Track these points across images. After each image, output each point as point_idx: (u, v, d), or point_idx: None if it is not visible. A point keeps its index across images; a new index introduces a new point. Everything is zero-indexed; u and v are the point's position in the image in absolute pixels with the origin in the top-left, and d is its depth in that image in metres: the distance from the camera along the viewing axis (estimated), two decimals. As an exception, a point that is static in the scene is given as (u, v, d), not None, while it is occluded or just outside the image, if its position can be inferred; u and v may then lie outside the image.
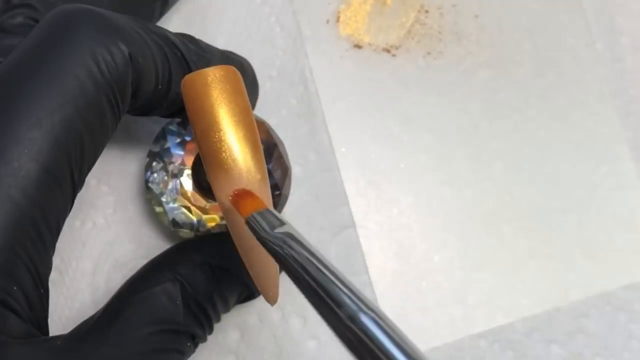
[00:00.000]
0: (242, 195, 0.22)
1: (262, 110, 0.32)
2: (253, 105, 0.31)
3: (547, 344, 0.31)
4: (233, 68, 0.23)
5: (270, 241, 0.19)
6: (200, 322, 0.25)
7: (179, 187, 0.28)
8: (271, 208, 0.22)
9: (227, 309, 0.27)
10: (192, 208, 0.28)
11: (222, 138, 0.22)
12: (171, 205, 0.28)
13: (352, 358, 0.30)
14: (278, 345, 0.30)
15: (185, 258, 0.26)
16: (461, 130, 0.32)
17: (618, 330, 0.31)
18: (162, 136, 0.29)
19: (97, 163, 0.23)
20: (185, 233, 0.29)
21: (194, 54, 0.25)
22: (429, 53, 0.33)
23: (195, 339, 0.26)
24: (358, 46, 0.33)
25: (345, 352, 0.32)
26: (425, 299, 0.31)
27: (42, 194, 0.21)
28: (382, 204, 0.32)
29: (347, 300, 0.17)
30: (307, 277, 0.18)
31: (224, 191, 0.22)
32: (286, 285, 0.28)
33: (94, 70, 0.21)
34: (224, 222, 0.28)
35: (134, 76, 0.22)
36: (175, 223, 0.28)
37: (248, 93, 0.29)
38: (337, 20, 0.33)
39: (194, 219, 0.28)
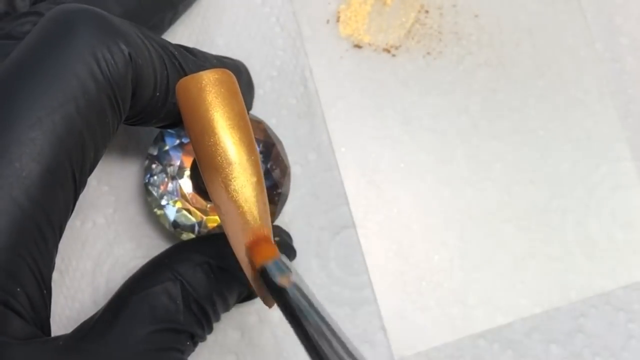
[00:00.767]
0: (257, 243, 0.22)
1: (262, 110, 0.32)
2: (249, 107, 0.31)
3: (547, 343, 0.31)
4: (227, 71, 0.23)
5: (278, 291, 0.20)
6: (200, 321, 0.25)
7: (178, 189, 0.28)
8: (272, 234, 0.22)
9: (226, 308, 0.27)
10: (193, 209, 0.28)
11: (217, 142, 0.22)
12: (171, 207, 0.28)
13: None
14: (278, 345, 0.30)
15: (185, 258, 0.26)
16: (461, 130, 0.33)
17: (617, 330, 0.31)
18: (160, 139, 0.29)
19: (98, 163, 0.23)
20: (187, 235, 0.29)
21: (192, 64, 0.25)
22: (428, 53, 0.33)
23: (195, 338, 0.26)
24: (358, 46, 0.33)
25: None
26: (425, 299, 0.31)
27: (44, 195, 0.20)
28: (382, 203, 0.32)
29: None
30: (307, 330, 0.19)
31: (220, 195, 0.22)
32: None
33: (95, 69, 0.21)
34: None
35: (133, 76, 0.22)
36: (176, 225, 0.28)
37: (243, 95, 0.29)
38: (337, 20, 0.33)
39: (195, 220, 0.28)
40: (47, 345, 0.22)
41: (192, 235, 0.29)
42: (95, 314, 0.24)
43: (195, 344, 0.26)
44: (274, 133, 0.30)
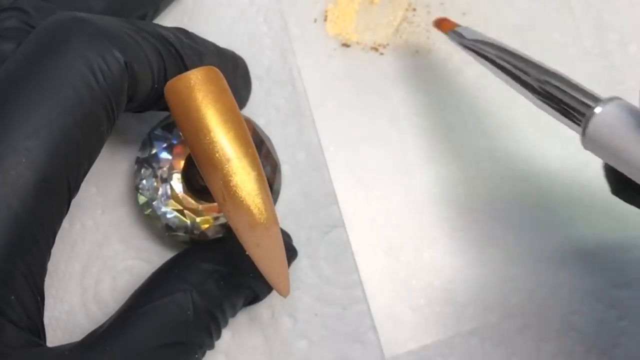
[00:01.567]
0: (442, 21, 0.31)
1: (251, 109, 0.32)
2: (246, 100, 0.31)
3: (538, 341, 0.31)
4: (214, 68, 0.23)
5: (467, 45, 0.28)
6: (210, 331, 0.26)
7: (169, 191, 0.28)
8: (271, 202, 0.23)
9: (234, 314, 0.27)
10: (185, 211, 0.28)
11: (214, 139, 0.22)
12: (163, 210, 0.28)
13: (343, 358, 0.30)
14: (268, 344, 0.30)
15: (195, 267, 0.26)
16: (450, 128, 0.33)
17: (609, 327, 0.31)
18: (148, 143, 0.29)
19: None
20: (180, 237, 0.29)
21: (187, 48, 0.25)
22: (417, 51, 0.33)
23: (204, 347, 0.26)
24: (346, 45, 0.33)
25: (335, 352, 0.33)
26: (415, 297, 0.31)
27: (39, 203, 0.21)
28: (372, 202, 0.32)
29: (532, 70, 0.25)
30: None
31: (222, 192, 0.22)
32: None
33: (90, 79, 0.21)
34: (217, 222, 0.28)
35: (130, 82, 0.23)
36: (168, 228, 0.28)
37: (241, 88, 0.29)
38: (325, 19, 0.33)
39: (188, 221, 0.28)
40: (51, 354, 0.22)
41: (186, 237, 0.29)
42: (104, 323, 0.25)
43: (203, 354, 0.26)
44: (262, 131, 0.30)
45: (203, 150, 0.22)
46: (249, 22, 0.32)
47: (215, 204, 0.28)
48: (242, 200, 0.22)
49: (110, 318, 0.25)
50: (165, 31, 0.25)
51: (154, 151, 0.29)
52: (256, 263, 0.23)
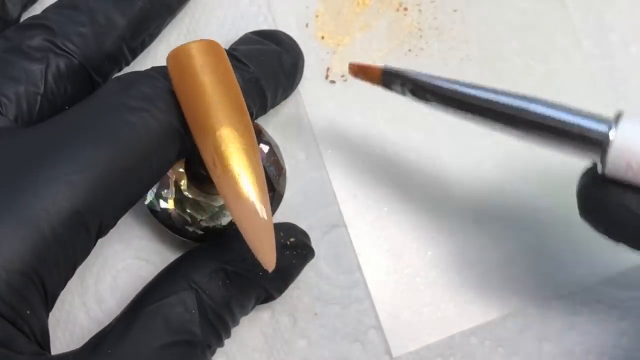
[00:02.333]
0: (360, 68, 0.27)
1: (251, 109, 0.32)
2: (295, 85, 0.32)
3: (539, 341, 0.31)
4: (215, 41, 0.24)
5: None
6: (216, 330, 0.25)
7: (172, 185, 0.29)
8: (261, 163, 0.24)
9: (245, 313, 0.27)
10: (189, 205, 0.29)
11: (209, 101, 0.22)
12: (165, 205, 0.28)
13: (343, 357, 0.30)
14: (268, 344, 0.30)
15: (200, 265, 0.26)
16: (450, 127, 0.32)
17: (610, 327, 0.31)
18: None
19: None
20: (181, 231, 0.29)
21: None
22: (410, 50, 0.33)
23: (212, 346, 0.26)
24: (341, 46, 0.33)
25: (335, 352, 0.33)
26: (417, 297, 0.31)
27: (66, 231, 0.21)
28: (372, 202, 0.32)
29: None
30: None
31: (213, 156, 0.22)
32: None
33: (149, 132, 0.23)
34: (221, 216, 0.29)
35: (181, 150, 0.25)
36: (171, 222, 0.29)
37: (286, 74, 0.30)
38: (316, 22, 0.33)
39: (191, 215, 0.29)
40: None
41: (190, 229, 0.29)
42: (108, 325, 0.25)
43: (212, 353, 0.26)
44: (270, 136, 0.30)
45: (198, 114, 0.23)
46: (250, 22, 0.33)
47: (218, 195, 0.28)
48: (232, 166, 0.22)
49: (115, 318, 0.25)
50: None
51: None
52: (243, 234, 0.23)
